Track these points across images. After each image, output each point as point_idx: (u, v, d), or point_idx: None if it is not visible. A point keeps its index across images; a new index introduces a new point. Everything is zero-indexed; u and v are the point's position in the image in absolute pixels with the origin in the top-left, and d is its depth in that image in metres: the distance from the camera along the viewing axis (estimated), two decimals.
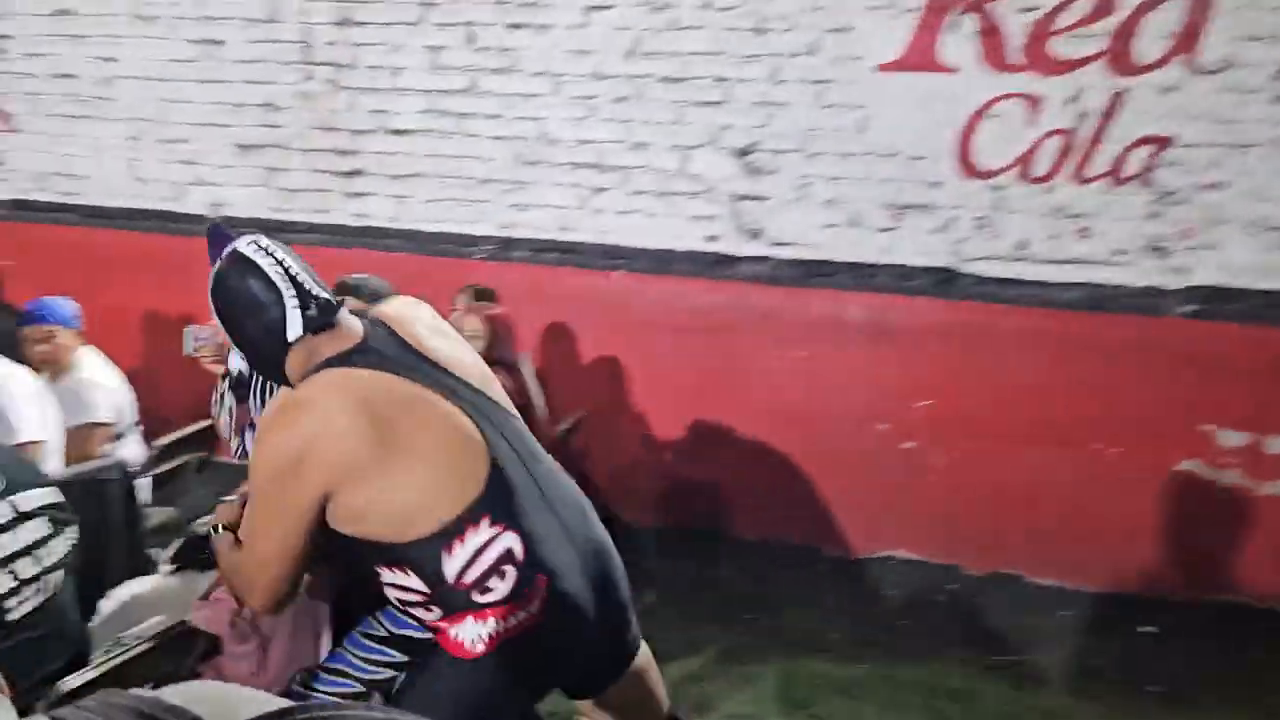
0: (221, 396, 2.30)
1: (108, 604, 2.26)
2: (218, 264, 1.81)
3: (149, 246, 5.24)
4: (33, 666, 1.68)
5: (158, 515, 3.30)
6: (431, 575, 1.67)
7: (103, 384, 3.33)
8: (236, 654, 1.87)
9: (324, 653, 2.02)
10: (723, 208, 4.66)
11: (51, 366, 3.33)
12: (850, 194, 4.55)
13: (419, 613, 1.72)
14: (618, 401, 4.77)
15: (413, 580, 1.68)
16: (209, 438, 3.30)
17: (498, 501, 1.69)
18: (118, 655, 1.80)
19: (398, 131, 4.98)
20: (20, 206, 5.48)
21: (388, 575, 1.72)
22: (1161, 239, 4.16)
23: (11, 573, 1.70)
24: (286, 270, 1.76)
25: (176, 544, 2.37)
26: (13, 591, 1.68)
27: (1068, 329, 4.28)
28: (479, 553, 1.66)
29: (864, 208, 4.54)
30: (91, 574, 2.19)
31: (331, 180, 5.06)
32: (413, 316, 1.90)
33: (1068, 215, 4.26)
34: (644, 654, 2.03)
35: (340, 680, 1.89)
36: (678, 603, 3.98)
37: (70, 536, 1.85)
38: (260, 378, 2.12)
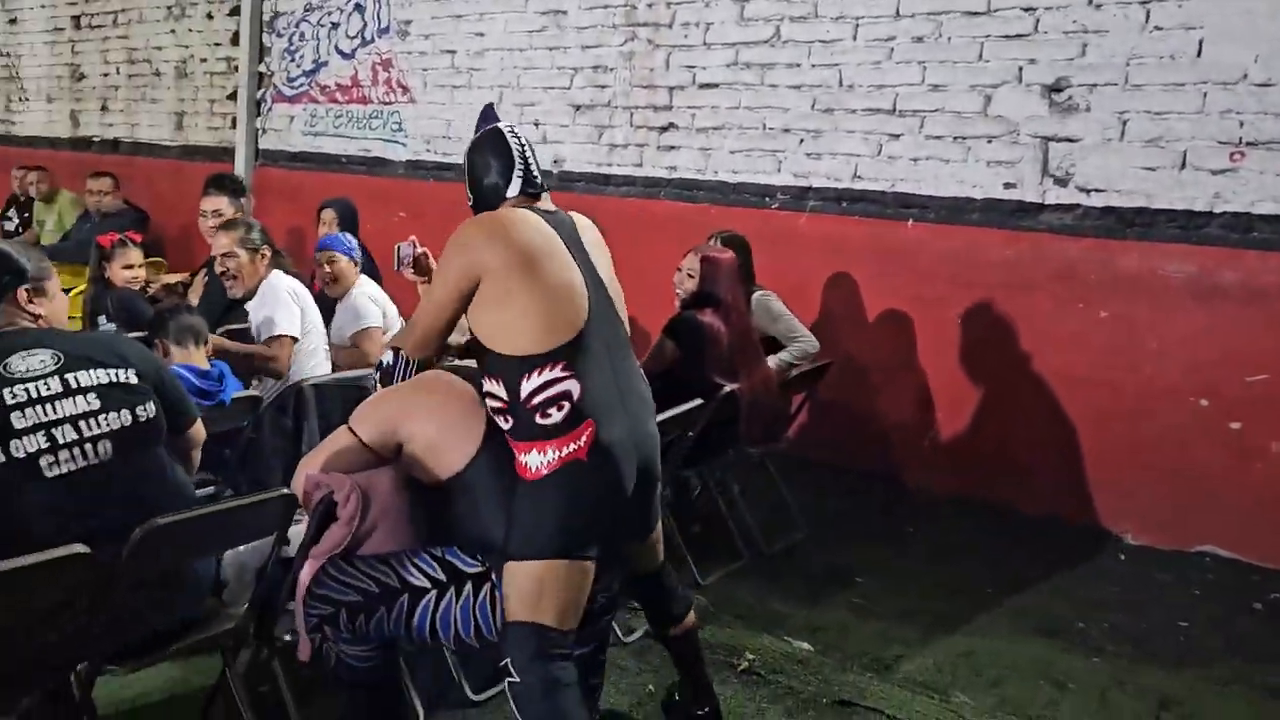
0: (376, 385, 2.63)
1: None
2: (481, 130, 2.42)
3: None
4: (71, 519, 1.98)
5: None
6: (512, 389, 2.16)
7: (374, 299, 3.93)
8: (341, 502, 2.18)
9: (412, 544, 2.28)
10: (1025, 151, 4.25)
11: (334, 286, 3.99)
12: (1178, 131, 3.93)
13: (500, 420, 2.20)
14: (900, 359, 4.57)
15: (499, 389, 2.18)
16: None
17: (575, 355, 2.16)
18: (195, 510, 2.08)
19: (706, 85, 5.13)
20: (414, 167, 6.44)
21: (487, 384, 2.22)
22: None
23: (50, 436, 2.01)
24: (524, 151, 2.36)
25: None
26: (47, 450, 2.00)
27: None
28: (547, 385, 2.14)
29: (1195, 146, 3.91)
30: None
31: (647, 135, 5.35)
32: (589, 225, 2.42)
33: None
34: (658, 530, 2.47)
35: (384, 570, 2.21)
36: (922, 565, 3.79)
37: (131, 415, 2.12)
38: (405, 371, 2.56)
